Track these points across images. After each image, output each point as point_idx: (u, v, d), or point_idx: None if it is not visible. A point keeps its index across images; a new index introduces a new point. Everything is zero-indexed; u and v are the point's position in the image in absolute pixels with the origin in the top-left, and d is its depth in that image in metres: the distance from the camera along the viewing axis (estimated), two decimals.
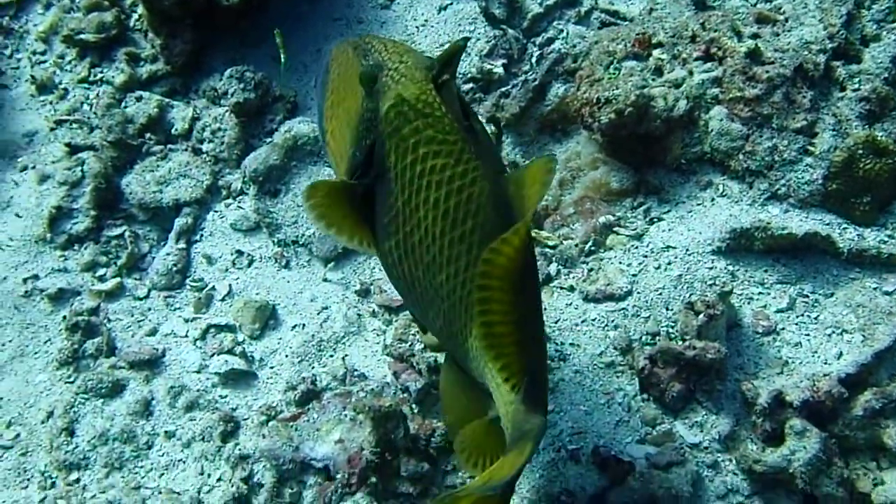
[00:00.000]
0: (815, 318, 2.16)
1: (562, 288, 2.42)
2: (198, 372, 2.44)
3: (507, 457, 1.43)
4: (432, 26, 3.14)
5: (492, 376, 1.49)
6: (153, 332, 2.55)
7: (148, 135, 2.86)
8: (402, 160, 1.54)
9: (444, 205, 1.50)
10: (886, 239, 2.23)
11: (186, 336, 2.53)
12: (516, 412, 1.45)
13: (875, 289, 2.15)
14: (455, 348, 1.62)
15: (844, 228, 2.24)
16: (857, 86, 2.33)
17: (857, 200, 2.26)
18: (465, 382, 1.66)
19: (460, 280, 1.51)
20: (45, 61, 3.06)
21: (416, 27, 3.14)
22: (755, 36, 2.46)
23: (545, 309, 2.34)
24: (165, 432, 2.29)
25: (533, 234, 2.54)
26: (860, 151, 2.25)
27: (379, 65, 1.60)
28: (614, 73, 2.57)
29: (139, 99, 2.89)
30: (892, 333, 1.97)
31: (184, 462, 2.24)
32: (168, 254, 2.68)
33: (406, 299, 1.75)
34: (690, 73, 2.48)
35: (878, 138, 2.26)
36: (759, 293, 2.25)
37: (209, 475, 2.19)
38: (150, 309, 2.61)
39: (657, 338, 2.22)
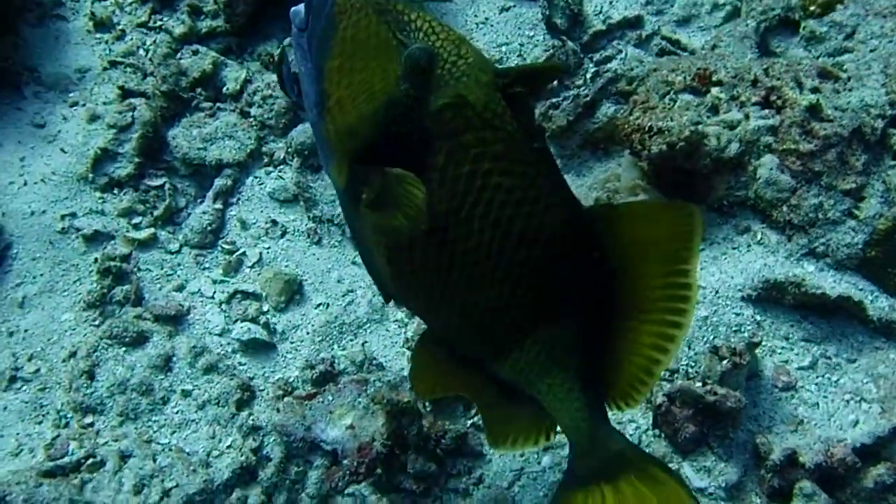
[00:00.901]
0: (836, 382, 2.19)
1: None
2: (220, 335, 2.46)
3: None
4: (492, 26, 3.13)
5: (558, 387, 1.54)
6: (180, 288, 2.56)
7: (199, 90, 2.85)
8: (456, 167, 1.43)
9: (507, 226, 1.45)
10: None
11: (213, 297, 2.55)
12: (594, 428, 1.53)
13: None
14: (489, 356, 1.62)
15: (877, 297, 2.27)
16: None
17: (893, 271, 2.29)
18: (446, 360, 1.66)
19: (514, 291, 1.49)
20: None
21: (476, 24, 3.13)
22: (816, 90, 2.47)
23: None
24: (182, 391, 2.31)
25: None
26: None
27: (429, 51, 1.40)
28: (670, 104, 2.58)
29: (195, 53, 2.88)
30: None
31: (196, 423, 2.26)
32: (204, 212, 2.69)
33: (414, 300, 1.67)
34: (747, 116, 2.49)
35: None
36: (783, 347, 2.28)
37: (220, 440, 2.21)
38: (179, 264, 2.62)
39: (676, 375, 2.25)
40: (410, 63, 1.37)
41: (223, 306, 2.53)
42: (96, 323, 2.44)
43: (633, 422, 2.21)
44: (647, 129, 2.53)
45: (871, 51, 2.54)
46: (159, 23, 2.98)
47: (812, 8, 2.70)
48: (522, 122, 1.43)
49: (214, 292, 2.55)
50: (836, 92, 2.47)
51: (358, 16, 1.42)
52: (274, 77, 2.89)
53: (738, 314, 2.35)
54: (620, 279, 1.44)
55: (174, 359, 2.35)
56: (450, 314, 1.57)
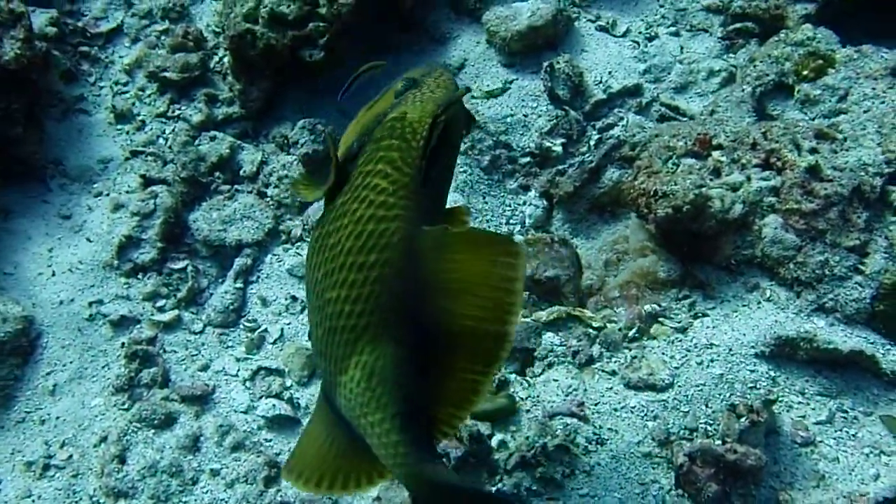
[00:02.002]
0: (854, 436, 2.22)
1: (604, 371, 2.49)
2: (245, 413, 2.51)
3: None
4: (496, 99, 3.25)
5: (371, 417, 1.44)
6: (205, 368, 2.62)
7: (217, 174, 2.97)
8: (363, 166, 1.55)
9: (363, 226, 1.48)
10: None
11: (237, 375, 2.60)
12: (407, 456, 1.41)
13: None
14: (325, 377, 1.56)
15: (888, 350, 2.31)
16: None
17: None
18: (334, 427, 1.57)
19: (346, 309, 1.47)
20: (126, 92, 3.19)
21: (480, 100, 3.26)
22: (814, 151, 2.56)
23: (585, 391, 2.41)
24: (211, 470, 2.35)
25: (577, 313, 2.63)
26: None
27: (416, 83, 1.71)
28: (673, 168, 2.67)
29: (213, 138, 3.01)
30: None
31: (226, 502, 2.29)
32: (226, 292, 2.77)
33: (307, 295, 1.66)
34: (748, 178, 2.57)
35: None
36: (799, 403, 2.31)
37: None
38: (203, 344, 2.69)
39: (695, 433, 2.29)
40: (396, 88, 1.70)
41: (247, 384, 2.58)
42: (125, 407, 2.49)
43: (655, 482, 2.23)
44: (652, 192, 2.62)
45: (865, 112, 2.64)
46: (178, 112, 3.11)
47: (805, 72, 2.81)
48: (434, 146, 1.54)
49: (238, 370, 2.61)
50: (833, 152, 2.56)
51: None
52: (288, 158, 3.00)
53: (752, 371, 2.39)
54: (443, 305, 1.39)
55: (202, 438, 2.40)
56: (312, 325, 1.57)
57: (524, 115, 3.22)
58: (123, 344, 2.60)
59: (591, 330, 2.60)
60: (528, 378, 2.54)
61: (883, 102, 2.62)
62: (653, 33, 3.30)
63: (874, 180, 2.45)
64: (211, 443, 2.39)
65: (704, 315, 2.56)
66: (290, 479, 1.58)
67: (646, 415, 2.36)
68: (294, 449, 1.69)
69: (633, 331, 2.55)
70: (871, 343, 2.32)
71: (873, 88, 2.67)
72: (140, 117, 3.14)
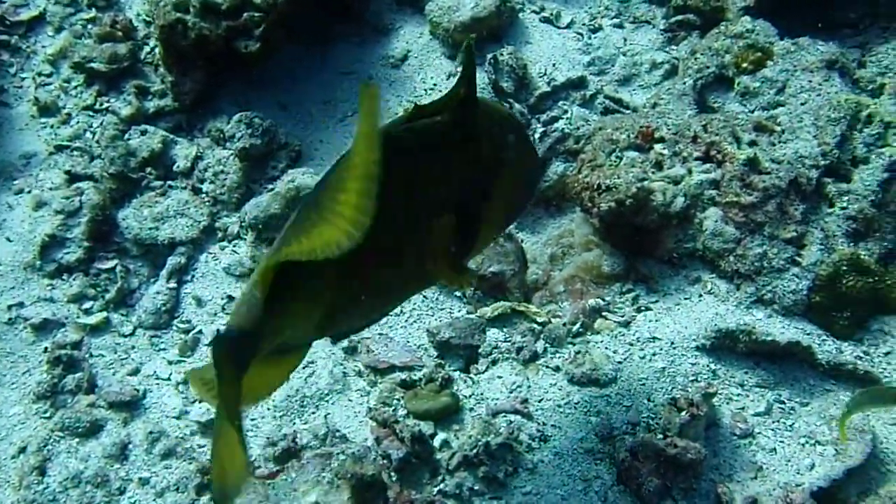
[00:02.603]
0: (791, 426, 2.23)
1: (548, 367, 2.46)
2: (178, 418, 2.42)
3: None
4: (440, 91, 3.20)
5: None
6: (135, 372, 2.52)
7: (149, 169, 2.86)
8: None
9: None
10: (862, 355, 2.32)
11: (169, 379, 2.51)
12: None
13: None
14: None
15: (824, 340, 2.33)
16: (845, 204, 2.45)
17: (837, 314, 2.36)
18: None
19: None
20: (49, 84, 3.05)
21: (425, 90, 3.20)
22: (753, 143, 2.57)
23: (530, 387, 2.38)
24: (140, 479, 2.26)
25: (521, 309, 2.59)
26: (844, 268, 2.36)
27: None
28: (616, 162, 2.65)
29: (143, 133, 2.90)
30: (864, 452, 2.05)
31: None
32: (158, 292, 2.67)
33: None
34: (689, 171, 2.57)
35: (862, 257, 2.37)
36: (739, 394, 2.32)
37: None
38: (133, 347, 2.59)
39: (637, 428, 2.27)
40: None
41: (180, 387, 2.49)
42: (47, 415, 2.38)
43: (598, 478, 2.21)
44: (595, 186, 2.60)
45: (802, 104, 2.66)
46: (106, 104, 2.99)
47: (744, 65, 2.82)
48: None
49: (171, 374, 2.52)
50: (772, 144, 2.57)
51: None
52: (224, 152, 2.91)
53: (693, 364, 2.39)
54: None
55: (130, 446, 2.30)
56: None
57: None
58: (46, 349, 2.48)
59: (535, 325, 2.57)
60: (472, 375, 2.50)
61: (819, 95, 2.64)
62: (597, 25, 3.28)
63: (811, 172, 2.47)
64: (140, 450, 2.30)
65: (647, 309, 2.55)
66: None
67: (589, 410, 2.34)
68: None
69: (577, 326, 2.53)
70: (808, 334, 2.33)
71: (809, 81, 2.68)
72: (65, 110, 3.01)
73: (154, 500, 2.23)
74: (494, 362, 2.51)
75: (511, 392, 2.41)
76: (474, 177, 1.72)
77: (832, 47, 2.76)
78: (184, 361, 2.55)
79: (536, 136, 3.02)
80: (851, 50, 2.87)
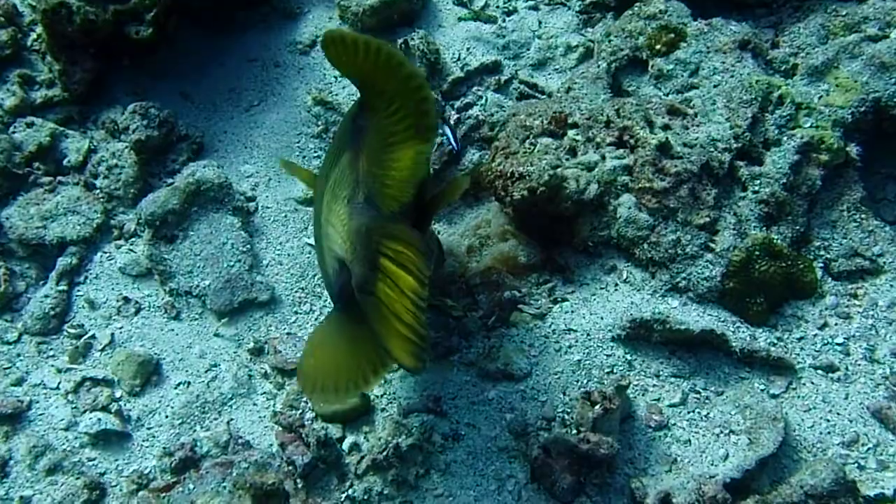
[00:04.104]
0: (705, 416, 2.19)
1: (462, 363, 2.37)
2: (66, 430, 2.26)
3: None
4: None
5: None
6: (19, 382, 2.35)
7: (36, 164, 2.67)
8: None
9: None
10: (776, 341, 2.29)
11: (57, 388, 2.35)
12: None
13: (763, 390, 2.20)
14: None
15: (738, 327, 2.29)
16: (757, 188, 2.41)
17: (751, 300, 2.32)
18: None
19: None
20: None
21: (334, 77, 3.07)
22: (666, 127, 2.51)
23: (443, 384, 2.30)
24: (21, 497, 2.10)
25: (437, 303, 2.50)
26: (757, 253, 2.32)
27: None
28: (529, 149, 2.57)
29: (30, 125, 2.70)
30: (776, 440, 2.01)
31: None
32: (46, 295, 2.49)
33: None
34: (603, 157, 2.50)
35: (774, 241, 2.33)
36: (654, 385, 2.27)
37: None
38: (19, 355, 2.41)
39: (552, 423, 2.20)
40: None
41: (70, 397, 2.33)
42: None
43: (512, 477, 2.14)
44: (508, 174, 2.52)
45: (715, 86, 2.61)
46: None
47: (658, 47, 2.76)
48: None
49: (60, 382, 2.36)
50: (685, 128, 2.52)
51: None
52: (119, 145, 2.74)
53: (609, 355, 2.33)
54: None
55: (11, 462, 2.14)
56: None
57: None
58: None
59: (450, 320, 2.48)
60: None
61: (732, 76, 2.60)
62: (511, 7, 3.19)
63: (723, 156, 2.42)
64: (22, 466, 2.14)
65: (564, 300, 2.48)
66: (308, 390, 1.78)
67: (503, 407, 2.26)
68: (304, 361, 1.83)
69: (493, 319, 2.45)
70: (722, 321, 2.29)
71: (722, 62, 2.64)
72: None
73: None
74: None
75: (424, 390, 2.32)
76: None
77: (745, 28, 2.72)
78: (74, 369, 2.38)
79: (451, 122, 2.93)
80: (765, 30, 2.83)
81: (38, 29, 2.84)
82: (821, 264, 2.41)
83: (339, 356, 1.78)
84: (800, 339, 2.30)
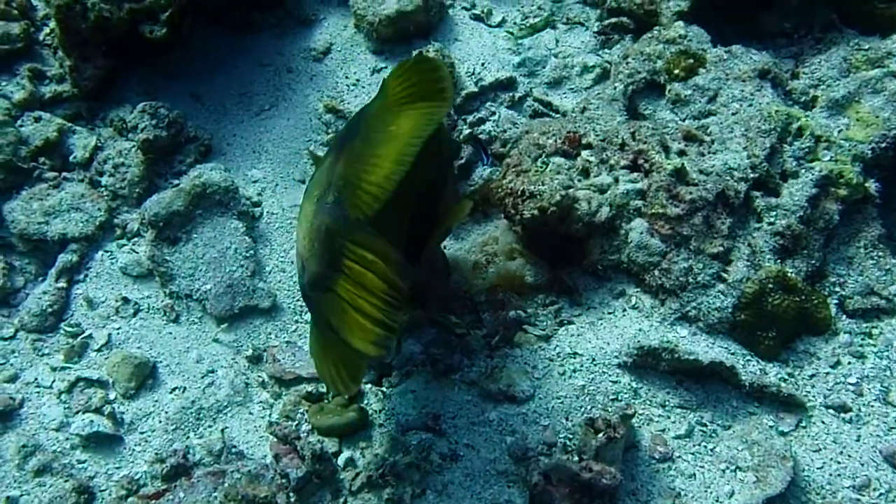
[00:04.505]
0: (712, 450, 2.14)
1: (463, 381, 2.33)
2: (57, 430, 2.21)
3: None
4: (363, 87, 3.05)
5: None
6: (13, 379, 2.31)
7: (42, 159, 2.63)
8: None
9: None
10: (787, 377, 2.24)
11: (51, 388, 2.30)
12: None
13: (771, 427, 2.15)
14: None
15: (748, 360, 2.24)
16: (773, 219, 2.37)
17: (762, 334, 2.27)
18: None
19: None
20: None
21: (347, 86, 3.05)
22: (682, 153, 2.48)
23: (443, 402, 2.25)
24: (7, 498, 2.04)
25: (440, 318, 2.46)
26: (770, 286, 2.27)
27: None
28: (542, 168, 2.54)
29: (38, 119, 2.67)
30: (785, 480, 1.96)
31: None
32: (45, 292, 2.45)
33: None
34: (616, 180, 2.47)
35: (789, 275, 2.29)
36: (660, 416, 2.22)
37: None
38: (14, 352, 2.37)
39: (554, 449, 2.15)
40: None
41: (63, 396, 2.28)
42: None
43: (510, 501, 2.09)
44: (519, 192, 2.48)
45: (733, 114, 2.58)
46: None
47: (676, 71, 2.73)
48: None
49: (53, 381, 2.31)
50: (700, 155, 2.48)
51: None
52: (126, 144, 2.70)
53: (614, 382, 2.28)
54: None
55: (0, 461, 2.09)
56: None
57: None
58: None
59: (453, 337, 2.43)
60: (383, 388, 2.35)
61: (750, 105, 2.57)
62: (529, 25, 3.16)
63: (739, 185, 2.38)
64: (11, 466, 2.09)
65: (570, 322, 2.44)
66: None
67: (504, 429, 2.21)
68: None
69: (497, 338, 2.40)
70: (732, 354, 2.24)
71: (741, 90, 2.61)
72: None
73: None
74: (408, 375, 2.36)
75: (423, 407, 2.27)
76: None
77: (765, 57, 2.69)
78: (69, 368, 2.34)
79: (461, 137, 2.90)
80: (785, 60, 2.80)
81: (52, 24, 2.82)
82: (835, 301, 2.36)
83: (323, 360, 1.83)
84: (811, 376, 2.25)
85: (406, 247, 1.91)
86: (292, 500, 2.08)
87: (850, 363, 2.26)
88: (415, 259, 1.98)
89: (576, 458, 2.08)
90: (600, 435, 2.04)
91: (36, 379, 2.32)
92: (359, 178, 1.66)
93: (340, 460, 2.19)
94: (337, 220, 1.66)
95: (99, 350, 2.40)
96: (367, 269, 1.60)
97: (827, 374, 2.25)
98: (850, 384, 2.22)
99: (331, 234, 1.65)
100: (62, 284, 2.48)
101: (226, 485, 2.08)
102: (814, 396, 2.21)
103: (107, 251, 2.60)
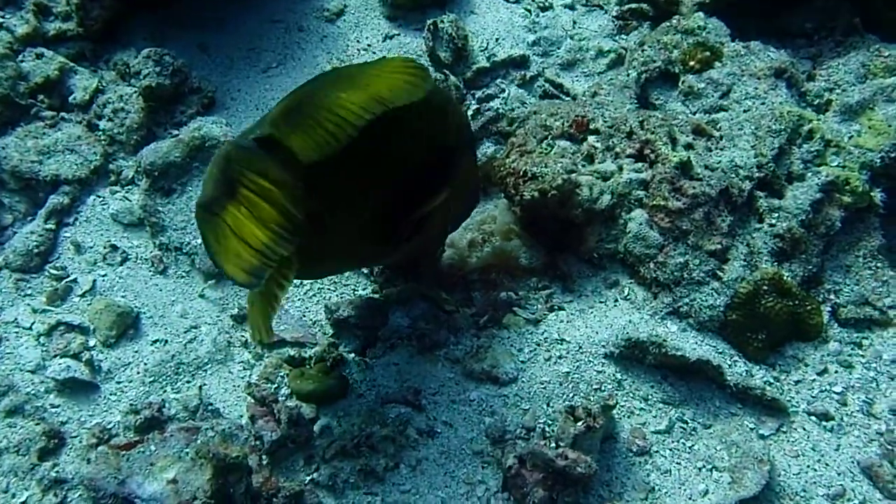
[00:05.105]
0: (690, 448, 2.12)
1: (447, 358, 2.30)
2: (32, 372, 2.19)
3: None
4: (374, 53, 3.00)
5: None
6: None
7: (41, 97, 2.59)
8: None
9: None
10: (772, 381, 2.21)
11: (30, 329, 2.27)
12: None
13: (752, 429, 2.13)
14: None
15: (735, 361, 2.21)
16: (774, 221, 2.33)
17: (752, 335, 2.24)
18: None
19: None
20: None
21: (359, 49, 2.99)
22: (689, 146, 2.43)
23: (425, 378, 2.23)
24: None
25: (431, 293, 2.43)
26: (765, 287, 2.24)
27: None
28: (546, 150, 2.49)
29: (39, 56, 2.63)
30: (759, 482, 1.94)
31: None
32: (32, 232, 2.42)
33: None
34: (620, 168, 2.42)
35: (784, 278, 2.26)
36: (641, 409, 2.19)
37: (14, 495, 1.94)
38: None
39: (532, 433, 2.13)
40: None
41: (41, 339, 2.26)
42: None
43: (482, 482, 2.07)
44: (521, 173, 2.44)
45: (745, 111, 2.53)
46: (0, 20, 2.70)
47: (692, 63, 2.68)
48: None
49: (33, 323, 2.28)
50: (708, 150, 2.44)
51: None
52: (128, 90, 2.66)
53: (599, 371, 2.25)
54: None
55: None
56: None
57: None
58: None
59: (441, 313, 2.40)
60: (366, 359, 2.32)
61: (763, 103, 2.52)
62: (547, 3, 3.11)
63: (743, 184, 2.34)
64: None
65: (560, 308, 2.41)
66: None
67: (484, 409, 2.19)
68: None
69: (485, 318, 2.37)
70: (720, 353, 2.22)
71: (756, 88, 2.56)
72: None
73: None
74: (392, 347, 2.33)
75: (405, 381, 2.24)
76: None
77: (783, 55, 2.63)
78: (50, 311, 2.31)
79: (469, 112, 2.85)
80: (803, 61, 2.75)
81: None
82: (829, 308, 2.33)
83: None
84: (797, 382, 2.23)
85: (393, 223, 1.87)
86: (264, 462, 2.06)
87: (836, 372, 2.23)
88: (408, 238, 1.94)
89: (553, 445, 2.06)
90: (579, 423, 2.02)
91: (16, 319, 2.29)
92: (315, 118, 1.56)
93: (316, 427, 2.16)
94: (240, 147, 1.60)
95: (82, 295, 2.38)
96: (263, 198, 1.54)
97: (813, 381, 2.22)
98: (834, 393, 2.20)
99: (229, 159, 1.58)
100: (51, 226, 2.45)
101: (198, 441, 2.06)
102: (797, 402, 2.18)
103: (99, 196, 2.56)
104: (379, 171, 1.79)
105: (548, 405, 2.18)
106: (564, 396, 2.21)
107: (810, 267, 2.33)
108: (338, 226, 1.76)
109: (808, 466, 2.07)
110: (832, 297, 2.35)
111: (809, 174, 2.40)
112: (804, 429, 2.14)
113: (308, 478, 2.07)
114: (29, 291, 2.37)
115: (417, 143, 1.87)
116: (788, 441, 2.12)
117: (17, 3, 2.73)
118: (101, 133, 2.60)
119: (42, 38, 2.69)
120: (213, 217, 1.57)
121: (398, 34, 3.02)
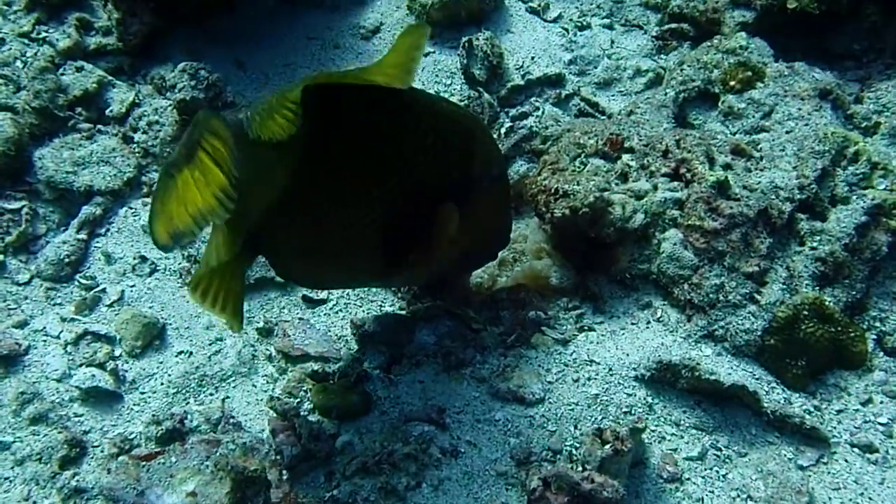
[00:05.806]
0: (723, 476, 2.03)
1: (473, 377, 2.25)
2: (58, 381, 2.20)
3: None
4: None
5: None
6: (23, 325, 2.30)
7: (79, 109, 2.63)
8: None
9: None
10: (812, 409, 2.12)
11: (58, 338, 2.28)
12: None
13: (790, 460, 2.03)
14: None
15: (773, 388, 2.12)
16: (816, 244, 2.24)
17: (791, 362, 2.15)
18: None
19: None
20: None
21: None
22: (727, 166, 2.36)
23: (450, 396, 2.18)
24: (0, 443, 2.03)
25: (459, 312, 2.39)
26: (805, 312, 2.15)
27: None
28: (579, 168, 2.45)
29: (79, 69, 2.67)
30: None
31: (11, 482, 1.98)
32: (64, 241, 2.44)
33: None
34: (655, 187, 2.37)
35: (826, 303, 2.16)
36: (673, 434, 2.11)
37: (34, 503, 1.94)
38: (27, 298, 2.36)
39: (558, 456, 2.07)
40: None
41: (68, 348, 2.26)
42: None
43: None
44: (553, 191, 2.40)
45: (788, 132, 2.46)
46: (44, 34, 2.76)
47: (732, 83, 2.62)
48: None
49: (61, 332, 2.29)
50: (747, 170, 2.37)
51: None
52: (163, 103, 2.69)
53: (629, 395, 2.18)
54: None
55: None
56: None
57: (436, 92, 2.97)
58: None
59: (468, 331, 2.36)
60: (391, 376, 2.29)
61: (806, 125, 2.44)
62: (585, 22, 3.08)
63: (784, 205, 2.26)
64: (7, 411, 2.07)
65: (591, 329, 2.34)
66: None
67: (509, 430, 2.13)
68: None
69: (513, 337, 2.32)
70: (757, 379, 2.13)
71: (799, 109, 2.48)
72: (0, 34, 2.78)
73: (12, 468, 2.00)
74: (418, 364, 2.29)
75: (429, 399, 2.20)
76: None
77: (829, 76, 2.56)
78: (79, 320, 2.32)
79: (502, 130, 2.82)
80: (850, 83, 2.67)
81: None
82: (874, 336, 2.23)
83: None
84: (839, 411, 2.13)
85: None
86: (284, 477, 2.03)
87: (882, 402, 2.12)
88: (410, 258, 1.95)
89: (579, 468, 1.99)
90: (607, 446, 1.95)
91: (45, 327, 2.31)
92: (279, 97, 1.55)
93: (338, 443, 2.13)
94: (208, 113, 1.56)
95: (110, 305, 2.39)
96: (216, 164, 1.49)
97: (856, 410, 2.12)
98: (879, 424, 2.09)
99: (196, 124, 1.54)
100: (83, 236, 2.47)
101: (218, 454, 2.03)
102: (839, 433, 2.08)
103: (131, 208, 2.58)
104: (380, 172, 1.78)
105: (575, 427, 2.12)
106: (592, 419, 2.14)
107: (854, 293, 2.24)
108: (335, 223, 1.77)
109: (850, 500, 1.97)
110: (878, 324, 2.25)
111: (854, 197, 2.31)
112: (846, 460, 2.04)
113: (328, 494, 2.03)
114: (59, 300, 2.39)
115: (431, 158, 1.86)
116: (829, 473, 2.02)
117: (59, 17, 2.79)
118: (135, 145, 2.63)
119: (83, 52, 2.74)
120: (169, 179, 1.55)
121: (433, 51, 3.02)
